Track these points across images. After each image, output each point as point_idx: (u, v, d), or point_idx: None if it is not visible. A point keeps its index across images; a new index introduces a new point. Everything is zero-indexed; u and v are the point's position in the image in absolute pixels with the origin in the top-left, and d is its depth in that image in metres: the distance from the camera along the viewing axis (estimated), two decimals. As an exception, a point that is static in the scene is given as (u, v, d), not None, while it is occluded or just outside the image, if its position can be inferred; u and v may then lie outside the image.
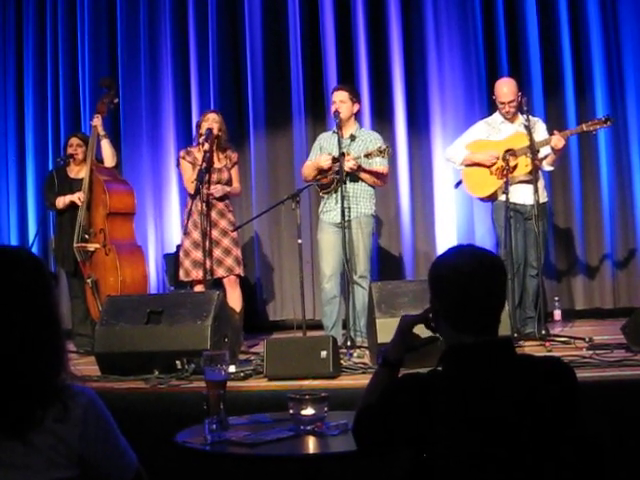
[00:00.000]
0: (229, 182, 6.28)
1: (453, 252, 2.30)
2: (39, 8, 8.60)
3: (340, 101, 6.12)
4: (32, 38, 8.60)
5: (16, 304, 1.83)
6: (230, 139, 6.64)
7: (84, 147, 6.56)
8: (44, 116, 8.54)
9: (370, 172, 6.06)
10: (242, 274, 6.33)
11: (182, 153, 6.40)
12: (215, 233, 6.15)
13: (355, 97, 6.22)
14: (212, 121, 6.22)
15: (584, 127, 5.84)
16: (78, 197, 6.37)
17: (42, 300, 1.88)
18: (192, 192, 6.08)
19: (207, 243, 6.05)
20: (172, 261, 7.46)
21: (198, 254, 6.07)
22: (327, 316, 6.12)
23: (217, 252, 6.15)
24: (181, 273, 6.25)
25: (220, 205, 6.22)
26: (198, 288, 6.08)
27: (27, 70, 8.60)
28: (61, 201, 6.46)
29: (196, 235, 6.11)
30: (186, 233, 6.20)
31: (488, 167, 5.96)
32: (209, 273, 6.06)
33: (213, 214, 6.17)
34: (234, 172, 6.35)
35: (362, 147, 6.08)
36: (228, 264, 6.16)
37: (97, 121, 6.55)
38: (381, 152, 5.94)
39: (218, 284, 6.18)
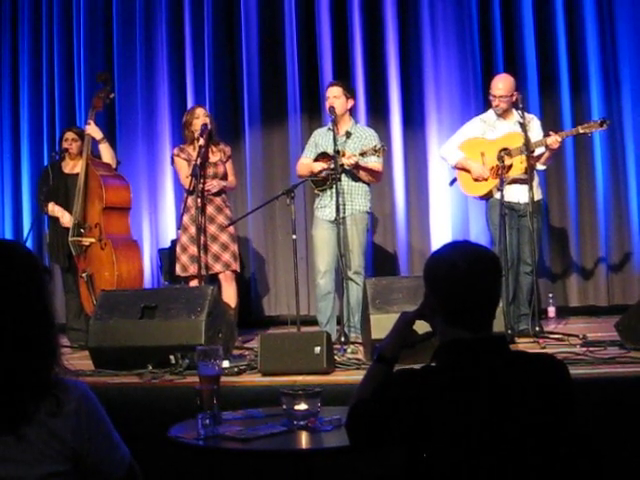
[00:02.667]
0: (225, 176, 6.28)
1: (449, 247, 2.31)
2: (35, 3, 8.58)
3: (334, 96, 6.12)
4: (27, 33, 8.57)
5: (9, 298, 1.83)
6: (225, 134, 6.62)
7: (79, 141, 6.54)
8: (39, 111, 8.52)
9: (366, 169, 6.06)
10: (238, 270, 6.34)
11: (176, 151, 6.39)
12: (213, 228, 6.15)
13: (349, 93, 6.21)
14: (204, 116, 6.22)
15: (580, 129, 5.83)
16: (66, 221, 6.35)
17: (35, 294, 1.88)
18: (188, 188, 6.08)
19: (202, 238, 6.06)
20: (167, 256, 7.46)
21: (196, 249, 6.06)
22: (321, 312, 6.13)
23: (214, 247, 6.14)
24: (178, 268, 6.24)
25: (217, 200, 6.21)
26: (194, 283, 6.07)
27: (22, 65, 8.57)
28: (55, 210, 6.43)
29: (194, 230, 6.09)
30: (183, 228, 6.19)
31: (475, 180, 5.99)
32: (205, 268, 6.06)
33: (211, 209, 6.17)
34: (229, 165, 6.35)
35: (358, 144, 6.08)
36: (225, 259, 6.16)
37: (90, 129, 6.48)
38: (376, 151, 5.94)
39: (213, 279, 6.18)
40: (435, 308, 2.27)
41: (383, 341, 2.46)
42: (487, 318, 2.23)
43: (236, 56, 8.14)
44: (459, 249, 2.28)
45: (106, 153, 6.58)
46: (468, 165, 6.05)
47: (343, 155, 5.99)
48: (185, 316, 5.00)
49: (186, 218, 6.15)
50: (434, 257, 2.30)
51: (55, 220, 6.56)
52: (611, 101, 7.37)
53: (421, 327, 2.40)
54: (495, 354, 2.20)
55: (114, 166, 6.63)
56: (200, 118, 6.20)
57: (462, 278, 2.18)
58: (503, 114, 6.05)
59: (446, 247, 2.32)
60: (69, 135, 6.61)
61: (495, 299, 2.26)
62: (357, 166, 5.99)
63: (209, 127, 6.17)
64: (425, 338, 2.41)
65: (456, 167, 6.15)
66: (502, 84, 6.03)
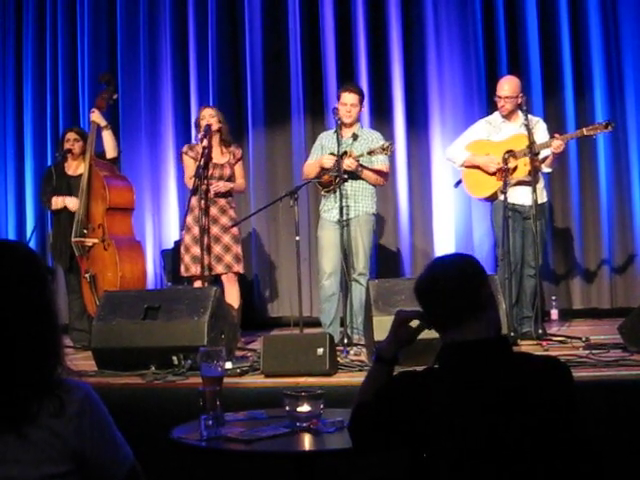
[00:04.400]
0: (231, 178, 6.26)
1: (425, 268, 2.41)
2: (39, 3, 8.59)
3: (351, 104, 6.11)
4: (31, 33, 8.58)
5: (12, 298, 1.83)
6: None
7: (81, 141, 6.54)
8: (43, 111, 8.53)
9: (371, 170, 6.06)
10: (241, 271, 6.31)
11: (185, 148, 6.39)
12: (216, 229, 6.14)
13: (363, 99, 6.24)
14: (209, 117, 6.22)
15: (584, 131, 5.82)
16: (73, 205, 6.35)
17: (38, 294, 1.88)
18: (190, 188, 6.09)
19: (205, 239, 6.05)
20: (170, 257, 7.46)
21: (198, 250, 6.05)
22: (325, 313, 6.12)
23: (217, 249, 6.13)
24: (182, 268, 6.23)
25: (222, 202, 6.20)
26: (197, 284, 6.07)
27: (26, 65, 8.59)
28: (58, 202, 6.44)
29: (197, 231, 6.08)
30: (186, 229, 6.18)
31: (487, 173, 5.97)
32: (208, 269, 6.06)
33: (214, 210, 6.16)
34: (238, 168, 6.33)
35: (364, 146, 6.07)
36: (227, 261, 6.15)
37: (95, 116, 6.53)
38: (384, 150, 5.93)
39: (217, 280, 6.18)
40: (430, 320, 2.35)
41: (382, 342, 2.47)
42: (459, 312, 2.24)
43: (240, 57, 8.15)
44: (427, 268, 2.37)
45: (109, 140, 6.60)
46: (476, 161, 6.03)
47: (350, 156, 5.98)
48: (188, 317, 5.00)
49: (189, 218, 6.15)
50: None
51: (58, 221, 6.56)
52: (615, 103, 7.37)
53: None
54: (497, 356, 2.21)
55: (115, 154, 6.65)
56: (205, 119, 6.20)
57: (424, 287, 2.30)
58: (508, 116, 6.05)
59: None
60: (71, 135, 6.61)
61: (458, 295, 2.26)
62: (360, 168, 5.99)
63: (213, 128, 6.17)
64: (418, 331, 2.44)
65: (464, 166, 6.13)
66: (508, 85, 6.04)
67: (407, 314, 2.44)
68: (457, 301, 2.24)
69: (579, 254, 7.48)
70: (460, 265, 2.33)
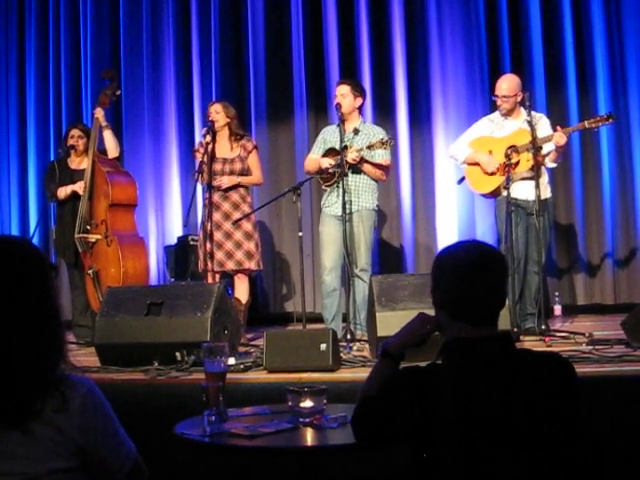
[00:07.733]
0: (244, 172, 6.24)
1: (456, 245, 2.39)
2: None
3: (341, 95, 6.13)
4: (34, 29, 8.58)
5: (16, 294, 1.83)
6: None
7: (85, 138, 6.54)
8: (46, 107, 8.53)
9: (372, 164, 6.06)
10: (253, 268, 6.22)
11: (196, 146, 6.43)
12: (227, 225, 6.13)
13: (357, 91, 6.20)
14: (214, 113, 6.22)
15: (586, 124, 5.81)
16: (79, 187, 6.36)
17: (42, 291, 1.88)
18: (195, 183, 6.12)
19: (217, 235, 6.10)
20: (173, 253, 7.47)
21: (209, 245, 6.07)
22: (327, 308, 6.13)
23: (228, 245, 6.12)
24: (200, 264, 6.25)
25: (234, 197, 6.18)
26: (209, 278, 6.08)
27: (29, 61, 8.59)
28: (62, 191, 6.45)
29: (209, 227, 6.10)
30: (202, 225, 6.20)
31: (486, 173, 5.96)
32: (218, 265, 6.08)
33: (226, 206, 6.14)
34: (252, 161, 6.26)
35: (365, 141, 6.07)
36: (237, 258, 6.13)
37: (99, 112, 6.54)
38: (383, 144, 5.94)
39: (229, 275, 6.21)
40: (439, 302, 2.30)
41: (391, 338, 2.47)
42: (489, 314, 2.24)
43: (243, 52, 8.14)
44: (465, 246, 2.35)
45: (110, 140, 6.61)
46: (477, 158, 6.03)
47: (351, 149, 5.99)
48: (191, 313, 5.00)
49: (204, 214, 6.17)
50: (440, 254, 2.37)
51: (62, 216, 6.57)
52: (618, 98, 7.36)
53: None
54: (500, 352, 2.21)
55: (117, 154, 6.65)
56: (211, 115, 6.21)
57: (464, 272, 2.23)
58: (509, 113, 6.03)
59: (454, 244, 2.40)
60: (75, 132, 6.61)
61: (497, 296, 2.27)
62: (362, 161, 5.99)
63: (218, 124, 6.17)
64: (429, 334, 2.43)
65: (466, 162, 6.13)
66: (505, 84, 6.01)
67: (428, 318, 2.43)
68: (500, 296, 2.29)
69: (582, 250, 7.48)
70: (499, 256, 2.35)
